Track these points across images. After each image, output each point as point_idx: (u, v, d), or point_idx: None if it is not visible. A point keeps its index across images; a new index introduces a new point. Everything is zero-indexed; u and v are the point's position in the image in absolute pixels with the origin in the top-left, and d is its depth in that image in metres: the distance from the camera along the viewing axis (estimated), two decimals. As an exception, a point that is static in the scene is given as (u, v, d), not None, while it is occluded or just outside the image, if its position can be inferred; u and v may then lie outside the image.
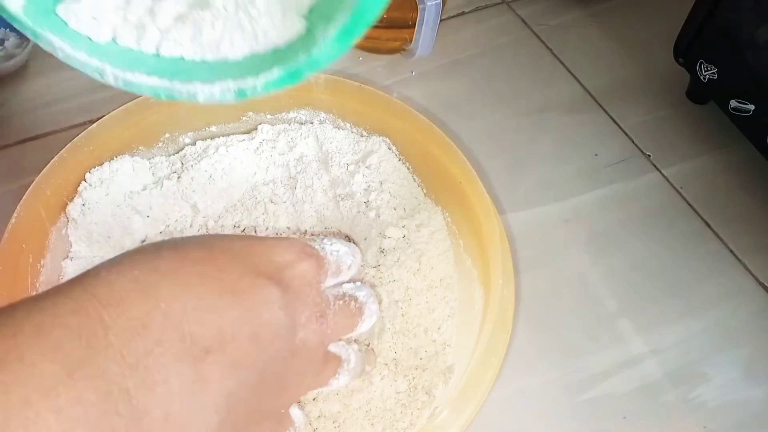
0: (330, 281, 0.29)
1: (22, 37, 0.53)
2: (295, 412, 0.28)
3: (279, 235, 0.40)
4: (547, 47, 0.58)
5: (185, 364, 0.22)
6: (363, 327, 0.30)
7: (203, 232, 0.40)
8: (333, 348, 0.29)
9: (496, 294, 0.34)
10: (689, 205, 0.48)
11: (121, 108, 0.40)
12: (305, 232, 0.41)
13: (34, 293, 0.35)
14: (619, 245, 0.46)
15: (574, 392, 0.39)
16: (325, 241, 0.29)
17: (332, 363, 0.29)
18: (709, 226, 0.47)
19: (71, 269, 0.38)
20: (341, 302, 0.29)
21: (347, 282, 0.30)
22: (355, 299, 0.29)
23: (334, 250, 0.29)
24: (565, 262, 0.44)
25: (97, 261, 0.38)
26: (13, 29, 0.54)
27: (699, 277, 0.44)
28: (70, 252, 0.38)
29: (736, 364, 0.41)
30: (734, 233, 0.46)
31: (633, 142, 0.51)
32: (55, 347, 0.19)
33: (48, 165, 0.37)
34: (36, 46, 0.53)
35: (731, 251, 0.46)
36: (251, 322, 0.24)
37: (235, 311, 0.23)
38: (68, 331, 0.20)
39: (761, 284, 0.44)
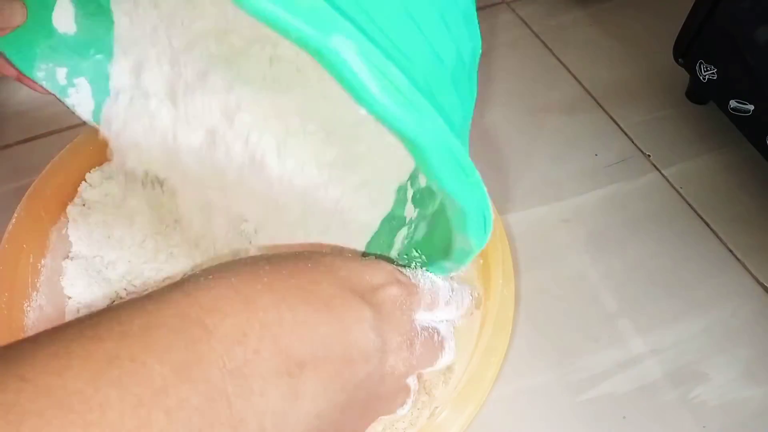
0: (423, 314, 0.27)
1: (22, 37, 0.53)
2: None
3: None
4: (547, 47, 0.58)
5: (281, 377, 0.21)
6: (442, 363, 0.28)
7: None
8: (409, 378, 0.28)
9: (496, 294, 0.34)
10: (689, 205, 0.48)
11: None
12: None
13: (35, 293, 0.35)
14: (619, 245, 0.46)
15: (574, 392, 0.39)
16: (419, 271, 0.28)
17: (404, 392, 0.28)
18: (708, 226, 0.47)
19: (71, 269, 0.38)
20: (426, 333, 0.27)
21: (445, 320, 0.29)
22: (438, 332, 0.28)
23: (428, 280, 0.28)
24: (565, 262, 0.45)
25: (98, 261, 0.38)
26: (13, 29, 0.54)
27: (699, 277, 0.44)
28: (70, 252, 0.38)
29: (735, 364, 0.41)
30: (734, 233, 0.46)
31: (633, 142, 0.51)
32: (164, 348, 0.19)
33: (48, 165, 0.37)
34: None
35: (731, 251, 0.46)
36: (343, 341, 0.23)
37: (329, 328, 0.23)
38: (173, 333, 0.20)
39: (761, 284, 0.44)
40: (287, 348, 0.21)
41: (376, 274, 0.26)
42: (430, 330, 0.27)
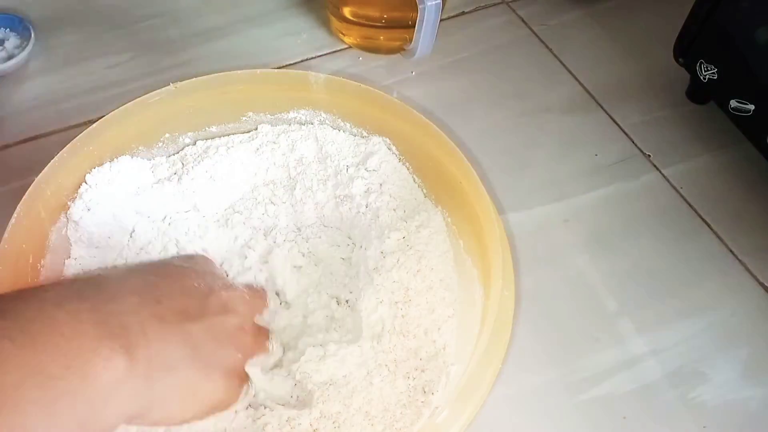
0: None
1: (23, 38, 0.54)
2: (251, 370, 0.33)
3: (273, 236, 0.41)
4: (547, 47, 0.58)
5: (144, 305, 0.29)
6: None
7: (203, 232, 0.40)
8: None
9: (496, 294, 0.34)
10: (689, 204, 0.48)
11: (120, 108, 0.40)
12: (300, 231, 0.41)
13: None
14: (619, 245, 0.46)
15: (574, 392, 0.39)
16: None
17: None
18: (708, 225, 0.47)
19: (72, 269, 0.38)
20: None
21: None
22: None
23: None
24: (565, 262, 0.45)
25: (97, 261, 0.38)
26: (14, 29, 0.54)
27: (699, 277, 0.44)
28: (70, 252, 0.38)
29: (735, 364, 0.41)
30: (734, 233, 0.46)
31: (633, 142, 0.51)
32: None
33: (48, 165, 0.37)
34: (36, 46, 0.53)
35: (731, 251, 0.46)
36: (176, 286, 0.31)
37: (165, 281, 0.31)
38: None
39: (761, 284, 0.44)
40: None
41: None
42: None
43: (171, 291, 0.30)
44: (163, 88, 0.41)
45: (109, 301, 0.27)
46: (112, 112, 0.40)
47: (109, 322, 0.26)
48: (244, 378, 0.33)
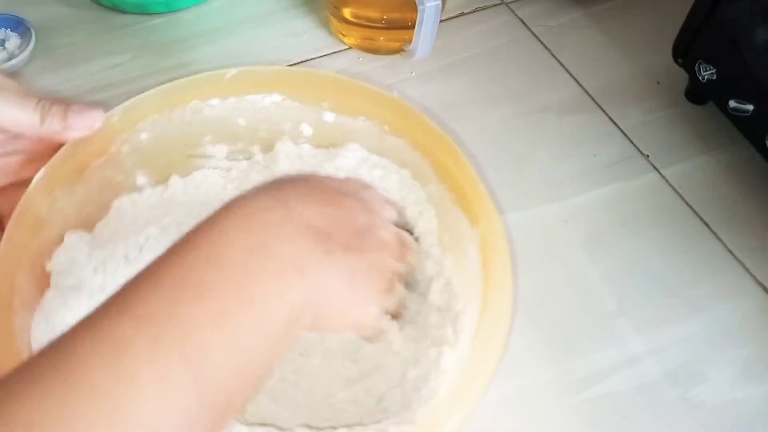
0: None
1: (23, 38, 0.54)
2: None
3: None
4: (546, 48, 0.58)
5: (319, 243, 0.29)
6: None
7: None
8: None
9: (494, 295, 0.34)
10: (688, 205, 0.48)
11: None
12: None
13: None
14: (618, 245, 0.46)
15: (574, 392, 0.39)
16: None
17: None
18: (707, 226, 0.47)
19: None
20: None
21: None
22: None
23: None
24: (565, 262, 0.45)
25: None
26: (14, 29, 0.54)
27: (698, 277, 0.44)
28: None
29: (734, 363, 0.41)
30: (733, 233, 0.46)
31: (632, 142, 0.52)
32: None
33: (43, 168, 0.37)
34: (36, 47, 0.53)
35: (730, 251, 0.46)
36: (348, 216, 0.32)
37: (338, 211, 0.31)
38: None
39: (760, 284, 0.44)
40: (317, 226, 0.30)
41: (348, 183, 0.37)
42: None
43: (339, 225, 0.31)
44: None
45: (285, 242, 0.29)
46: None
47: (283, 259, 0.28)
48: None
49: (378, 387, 0.35)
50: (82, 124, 0.36)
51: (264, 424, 0.33)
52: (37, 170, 0.35)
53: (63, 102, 0.36)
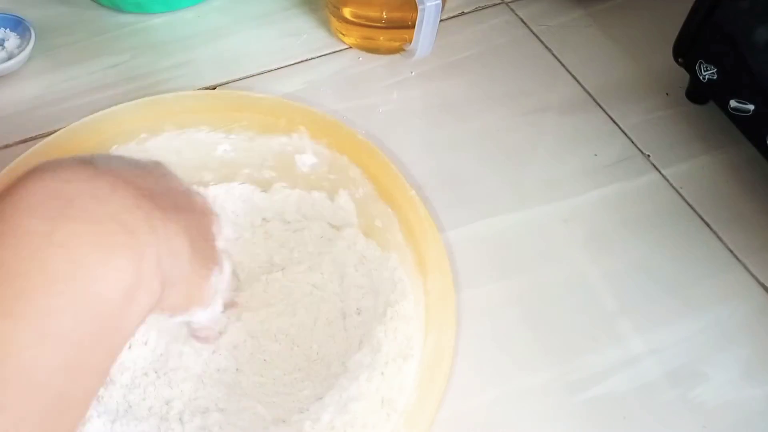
0: None
1: (23, 37, 0.54)
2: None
3: None
4: (547, 47, 0.58)
5: (147, 202, 0.25)
6: None
7: None
8: None
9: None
10: (689, 205, 0.48)
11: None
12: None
13: None
14: (618, 245, 0.46)
15: (574, 392, 0.39)
16: None
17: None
18: (708, 225, 0.47)
19: None
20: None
21: None
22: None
23: None
24: (565, 262, 0.44)
25: None
26: (14, 29, 0.54)
27: (698, 277, 0.44)
28: None
29: (735, 363, 0.41)
30: (734, 233, 0.46)
31: (632, 142, 0.51)
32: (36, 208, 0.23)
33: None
34: (36, 46, 0.53)
35: (731, 251, 0.46)
36: (168, 181, 0.30)
37: (153, 174, 0.29)
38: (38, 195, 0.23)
39: (761, 284, 0.44)
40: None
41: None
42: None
43: (159, 186, 0.28)
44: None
45: (101, 200, 0.24)
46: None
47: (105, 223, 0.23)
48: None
49: None
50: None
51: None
52: None
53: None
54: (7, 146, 0.48)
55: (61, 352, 0.21)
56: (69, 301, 0.21)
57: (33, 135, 0.49)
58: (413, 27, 0.50)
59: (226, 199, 0.43)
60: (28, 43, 0.52)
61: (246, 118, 0.42)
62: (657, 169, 0.50)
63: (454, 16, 0.60)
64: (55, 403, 0.21)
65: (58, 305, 0.21)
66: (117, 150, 0.40)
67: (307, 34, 0.58)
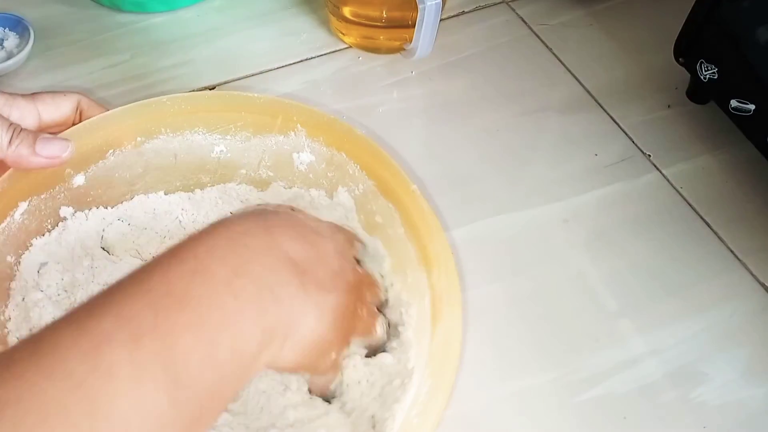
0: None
1: (22, 37, 0.53)
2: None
3: None
4: (547, 47, 0.58)
5: (297, 276, 0.30)
6: None
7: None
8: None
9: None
10: (689, 204, 0.48)
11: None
12: None
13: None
14: (619, 245, 0.46)
15: (574, 392, 0.39)
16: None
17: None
18: (709, 225, 0.47)
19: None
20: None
21: None
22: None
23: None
24: (565, 262, 0.44)
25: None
26: (13, 28, 0.54)
27: (699, 277, 0.44)
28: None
29: (736, 363, 0.41)
30: (734, 233, 0.46)
31: (633, 141, 0.51)
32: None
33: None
34: (35, 46, 0.53)
35: (731, 251, 0.46)
36: (324, 258, 0.32)
37: (314, 249, 0.32)
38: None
39: (761, 284, 0.44)
40: (292, 257, 0.30)
41: (321, 223, 0.36)
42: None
43: (314, 264, 0.31)
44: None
45: (266, 269, 0.29)
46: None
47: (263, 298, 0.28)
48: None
49: None
50: (49, 153, 0.35)
51: None
52: None
53: (34, 132, 0.36)
54: (6, 146, 0.48)
55: (213, 372, 0.25)
56: (231, 337, 0.26)
57: (32, 135, 0.49)
58: (413, 26, 0.50)
59: (224, 201, 0.43)
60: (27, 43, 0.52)
61: (242, 118, 0.41)
62: (657, 168, 0.50)
63: (454, 16, 0.59)
64: (194, 414, 0.25)
65: (225, 338, 0.26)
66: (113, 154, 0.40)
67: (306, 34, 0.58)
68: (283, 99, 0.42)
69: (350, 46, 0.57)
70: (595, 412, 0.38)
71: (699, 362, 0.41)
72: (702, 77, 0.48)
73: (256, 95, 0.42)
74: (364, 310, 0.34)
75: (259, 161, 0.43)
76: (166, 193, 0.43)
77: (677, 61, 0.51)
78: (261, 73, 0.54)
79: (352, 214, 0.41)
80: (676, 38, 0.50)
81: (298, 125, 0.41)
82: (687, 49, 0.50)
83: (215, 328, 0.26)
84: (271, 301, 0.28)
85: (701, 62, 0.48)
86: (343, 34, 0.56)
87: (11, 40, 0.53)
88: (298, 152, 0.42)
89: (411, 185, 0.38)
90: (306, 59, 0.56)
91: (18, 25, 0.54)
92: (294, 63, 0.55)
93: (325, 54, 0.56)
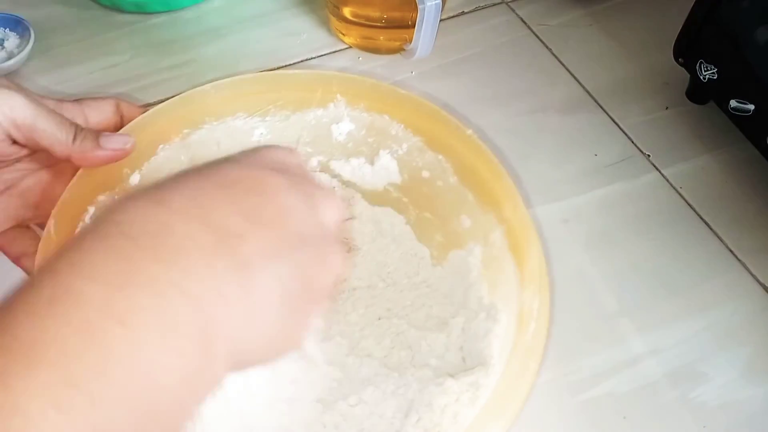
0: None
1: (22, 37, 0.53)
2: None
3: None
4: (547, 47, 0.58)
5: (224, 251, 0.22)
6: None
7: None
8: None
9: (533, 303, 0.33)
10: (689, 205, 0.48)
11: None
12: None
13: None
14: (618, 245, 0.46)
15: (574, 392, 0.39)
16: None
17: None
18: (708, 225, 0.47)
19: None
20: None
21: None
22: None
23: None
24: (565, 262, 0.44)
25: None
26: (13, 29, 0.54)
27: (699, 277, 0.44)
28: None
29: (735, 363, 0.41)
30: (734, 233, 0.46)
31: (632, 142, 0.51)
32: (96, 270, 0.20)
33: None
34: (35, 46, 0.53)
35: (731, 251, 0.46)
36: (270, 207, 0.24)
37: (253, 198, 0.24)
38: (99, 254, 0.21)
39: (761, 284, 0.44)
40: (218, 225, 0.22)
41: (277, 152, 0.28)
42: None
43: (272, 212, 0.24)
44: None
45: (212, 211, 0.22)
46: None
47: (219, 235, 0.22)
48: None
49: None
50: (113, 145, 0.35)
51: None
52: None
53: (95, 129, 0.35)
54: (6, 146, 0.48)
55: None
56: (122, 391, 0.19)
57: (32, 135, 0.49)
58: (413, 27, 0.50)
59: None
60: (27, 43, 0.52)
61: (281, 97, 0.41)
62: (657, 169, 0.50)
63: (454, 16, 0.60)
64: None
65: (110, 396, 0.19)
66: (163, 149, 0.39)
67: (306, 34, 0.58)
68: (324, 72, 0.42)
69: (350, 47, 0.57)
70: (594, 412, 0.38)
71: (699, 362, 0.41)
72: (701, 77, 0.49)
73: (296, 72, 0.42)
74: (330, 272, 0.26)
75: (298, 138, 0.42)
76: None
77: (677, 61, 0.51)
78: (261, 73, 0.54)
79: (395, 176, 0.41)
80: (675, 38, 0.50)
81: (338, 95, 0.41)
82: (686, 50, 0.50)
83: (85, 384, 0.18)
84: (181, 303, 0.20)
85: (701, 62, 0.48)
86: (343, 34, 0.56)
87: (11, 40, 0.53)
88: (337, 123, 0.41)
89: (467, 130, 0.38)
90: (306, 59, 0.56)
91: (18, 26, 0.54)
92: (294, 63, 0.55)
93: (325, 54, 0.56)
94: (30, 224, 0.38)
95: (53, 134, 0.33)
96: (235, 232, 0.22)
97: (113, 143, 0.35)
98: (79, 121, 0.36)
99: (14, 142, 0.33)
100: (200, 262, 0.21)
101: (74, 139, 0.34)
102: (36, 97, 0.34)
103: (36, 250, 0.36)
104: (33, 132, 0.33)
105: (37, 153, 0.35)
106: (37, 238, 0.37)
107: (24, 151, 0.35)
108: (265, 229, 0.23)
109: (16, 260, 0.37)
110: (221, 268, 0.21)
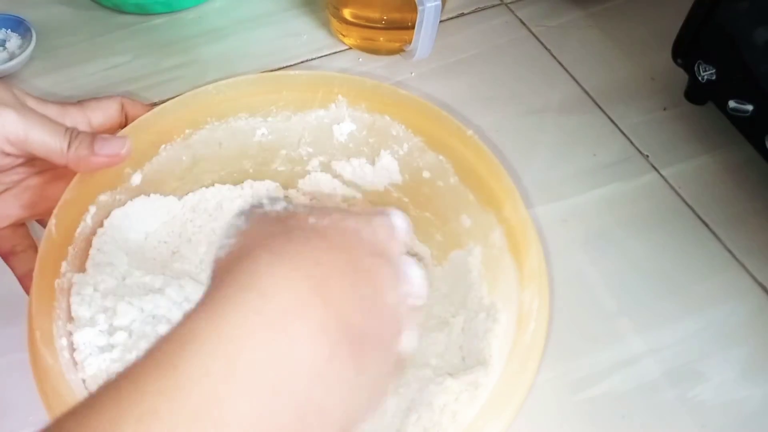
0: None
1: (24, 38, 0.54)
2: None
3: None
4: (546, 48, 0.58)
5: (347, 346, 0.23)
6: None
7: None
8: None
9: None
10: (687, 205, 0.48)
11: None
12: None
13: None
14: (617, 245, 0.46)
15: (573, 391, 0.39)
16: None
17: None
18: (707, 226, 0.47)
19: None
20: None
21: None
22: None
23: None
24: (564, 262, 0.45)
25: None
26: (15, 30, 0.54)
27: (697, 277, 0.44)
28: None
29: (734, 363, 0.41)
30: (732, 233, 0.46)
31: (631, 142, 0.52)
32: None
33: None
34: (37, 47, 0.53)
35: (729, 251, 0.46)
36: (378, 302, 0.25)
37: (368, 290, 0.25)
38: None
39: (759, 284, 0.44)
40: (348, 320, 0.23)
41: (381, 229, 0.27)
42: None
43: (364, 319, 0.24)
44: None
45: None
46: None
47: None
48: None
49: None
50: (108, 151, 0.35)
51: None
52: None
53: (91, 133, 0.35)
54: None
55: None
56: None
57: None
58: (413, 28, 0.50)
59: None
60: (29, 44, 0.53)
61: (283, 98, 0.41)
62: (656, 169, 0.50)
63: (453, 17, 0.60)
64: None
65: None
66: (165, 149, 0.39)
67: (307, 35, 0.58)
68: (325, 72, 0.42)
69: (350, 48, 0.57)
70: (593, 411, 0.38)
71: (697, 362, 0.41)
72: (700, 78, 0.49)
73: (297, 72, 0.42)
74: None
75: (299, 139, 0.42)
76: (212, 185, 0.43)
77: (675, 62, 0.51)
78: (263, 74, 0.54)
79: (396, 177, 0.41)
80: (674, 39, 0.50)
81: (339, 96, 0.41)
82: (685, 50, 0.50)
83: None
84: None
85: (699, 63, 0.48)
86: (343, 35, 0.57)
87: (13, 41, 0.54)
88: (338, 123, 0.42)
89: (467, 131, 0.38)
90: (306, 60, 0.56)
91: (20, 27, 0.54)
92: (294, 64, 0.56)
93: (325, 55, 0.56)
94: (27, 222, 0.38)
95: (47, 145, 0.33)
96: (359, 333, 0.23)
97: (108, 149, 0.35)
98: (82, 125, 0.36)
99: (9, 154, 0.34)
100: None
101: (69, 147, 0.34)
102: (34, 105, 0.34)
103: (26, 248, 0.37)
104: (26, 145, 0.33)
105: (35, 159, 0.35)
106: (29, 236, 0.38)
107: (21, 159, 0.35)
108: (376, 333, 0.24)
109: (4, 257, 0.37)
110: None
